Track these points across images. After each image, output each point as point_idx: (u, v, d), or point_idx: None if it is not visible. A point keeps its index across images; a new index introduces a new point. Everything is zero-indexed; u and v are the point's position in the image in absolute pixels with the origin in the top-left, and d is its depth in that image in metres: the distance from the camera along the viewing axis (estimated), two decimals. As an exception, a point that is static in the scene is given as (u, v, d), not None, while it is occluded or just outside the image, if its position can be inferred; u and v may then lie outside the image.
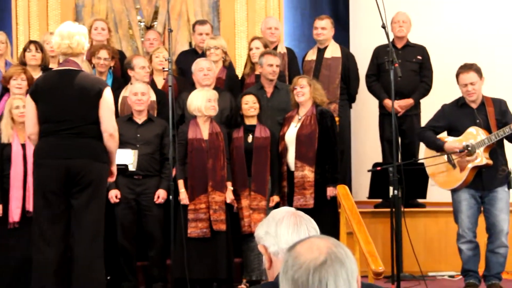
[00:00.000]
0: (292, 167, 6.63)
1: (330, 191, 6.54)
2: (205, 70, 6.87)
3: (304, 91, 6.64)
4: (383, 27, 5.62)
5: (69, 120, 4.89)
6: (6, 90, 6.76)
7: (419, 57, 7.75)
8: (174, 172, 6.40)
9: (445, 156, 6.33)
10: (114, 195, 6.47)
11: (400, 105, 7.51)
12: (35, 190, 5.03)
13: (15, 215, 6.17)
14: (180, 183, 6.45)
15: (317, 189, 6.52)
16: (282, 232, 2.44)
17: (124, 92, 6.97)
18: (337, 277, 1.83)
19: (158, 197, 6.52)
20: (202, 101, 6.54)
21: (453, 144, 6.25)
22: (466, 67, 6.32)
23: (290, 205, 6.27)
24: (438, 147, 6.34)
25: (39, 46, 7.04)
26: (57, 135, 4.90)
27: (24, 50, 7.15)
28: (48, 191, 4.87)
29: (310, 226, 2.46)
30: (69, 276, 4.96)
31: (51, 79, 5.07)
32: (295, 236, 2.39)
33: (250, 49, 7.56)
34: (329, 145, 6.61)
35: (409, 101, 7.64)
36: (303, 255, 1.87)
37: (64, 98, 4.91)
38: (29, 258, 5.47)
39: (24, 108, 6.09)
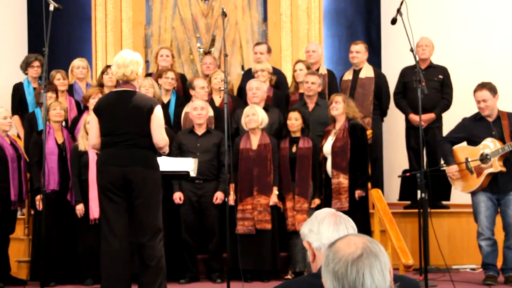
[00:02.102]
0: (330, 175, 6.59)
1: (358, 194, 6.47)
2: (253, 89, 6.93)
3: (338, 107, 6.60)
4: (411, 50, 5.60)
5: (125, 133, 4.90)
6: (87, 108, 6.87)
7: (441, 77, 7.67)
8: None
9: (464, 164, 6.27)
10: (178, 197, 6.53)
11: (424, 119, 7.41)
12: (100, 192, 5.03)
13: (95, 212, 6.26)
14: (231, 186, 6.42)
15: (351, 193, 6.48)
16: (324, 230, 2.43)
17: (186, 109, 7.02)
18: (372, 269, 1.82)
19: (217, 199, 6.55)
20: (242, 118, 6.64)
21: (452, 170, 6.28)
22: (481, 86, 6.25)
23: (329, 207, 6.22)
24: (446, 163, 6.37)
25: (115, 70, 7.10)
26: (116, 146, 4.90)
27: (102, 73, 7.22)
28: (110, 193, 4.89)
29: (348, 225, 2.45)
30: (134, 263, 4.99)
31: (111, 98, 5.08)
32: (335, 234, 2.38)
33: (294, 71, 7.54)
34: (359, 155, 6.56)
35: (432, 115, 7.58)
36: (342, 250, 1.87)
37: (122, 114, 4.92)
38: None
39: None
